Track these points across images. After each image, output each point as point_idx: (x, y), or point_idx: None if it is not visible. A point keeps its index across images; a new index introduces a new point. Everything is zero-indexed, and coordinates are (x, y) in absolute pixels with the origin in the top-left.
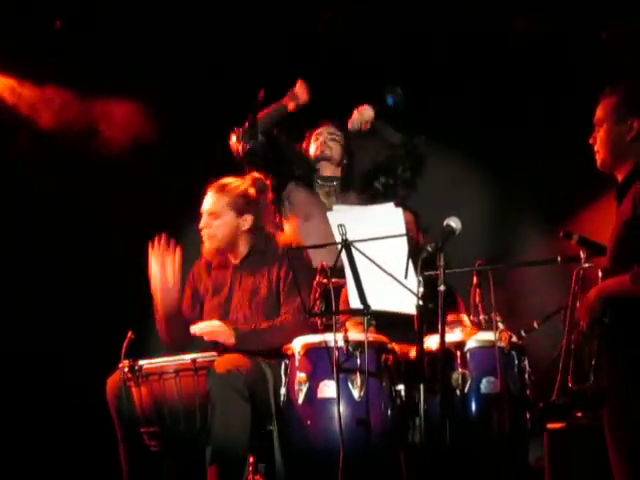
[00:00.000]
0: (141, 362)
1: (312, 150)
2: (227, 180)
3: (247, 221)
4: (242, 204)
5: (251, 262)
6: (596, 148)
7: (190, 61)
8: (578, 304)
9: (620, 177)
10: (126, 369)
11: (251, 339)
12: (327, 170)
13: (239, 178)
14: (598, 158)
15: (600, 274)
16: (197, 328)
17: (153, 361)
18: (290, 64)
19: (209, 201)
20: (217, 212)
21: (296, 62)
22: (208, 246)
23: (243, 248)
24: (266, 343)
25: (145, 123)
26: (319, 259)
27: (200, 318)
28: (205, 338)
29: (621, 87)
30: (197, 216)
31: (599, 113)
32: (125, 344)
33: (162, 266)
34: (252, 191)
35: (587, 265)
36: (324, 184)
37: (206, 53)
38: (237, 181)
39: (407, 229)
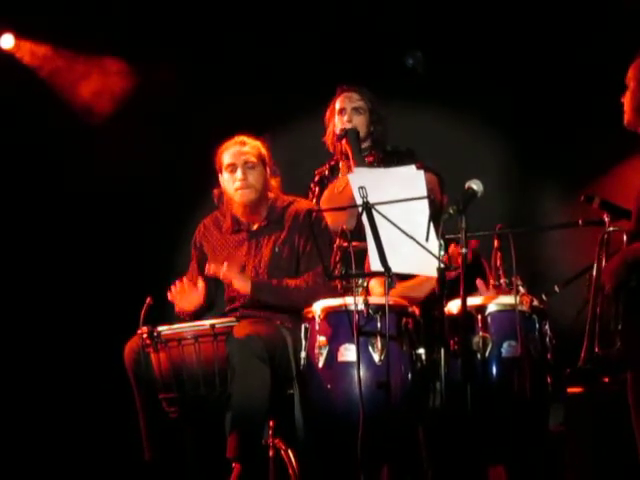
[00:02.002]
0: (160, 328)
1: (337, 126)
2: (243, 137)
3: (276, 181)
4: (268, 161)
5: (270, 229)
6: (625, 107)
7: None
8: (602, 268)
9: None
10: (145, 335)
11: (267, 291)
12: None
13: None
14: (625, 116)
15: (625, 238)
16: (213, 267)
17: (172, 327)
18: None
19: (242, 150)
20: (253, 162)
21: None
22: (245, 198)
23: (263, 211)
24: (281, 299)
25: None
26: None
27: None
28: (220, 277)
29: None
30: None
31: (629, 73)
32: (143, 310)
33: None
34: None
35: (612, 229)
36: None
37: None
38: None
39: (429, 191)
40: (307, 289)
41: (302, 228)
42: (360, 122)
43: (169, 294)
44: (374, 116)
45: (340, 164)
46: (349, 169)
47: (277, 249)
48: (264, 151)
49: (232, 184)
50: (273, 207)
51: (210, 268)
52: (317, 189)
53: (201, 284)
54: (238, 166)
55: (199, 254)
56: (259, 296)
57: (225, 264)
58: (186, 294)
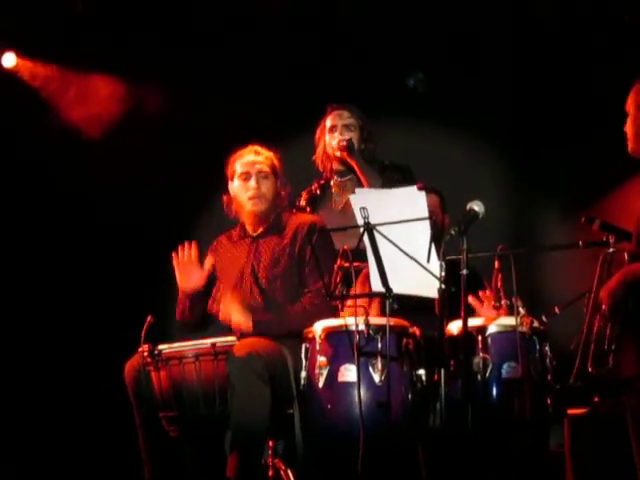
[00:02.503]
0: (161, 346)
1: (329, 145)
2: (257, 146)
3: (285, 192)
4: (280, 173)
5: (270, 235)
6: (628, 135)
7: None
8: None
9: None
10: (145, 353)
11: (269, 327)
12: (338, 161)
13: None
14: (629, 144)
15: (627, 258)
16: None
17: (173, 345)
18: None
19: (256, 160)
20: (266, 172)
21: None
22: (257, 207)
23: (269, 220)
24: (284, 328)
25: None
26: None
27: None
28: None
29: None
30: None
31: (629, 100)
32: (144, 328)
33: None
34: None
35: (613, 250)
36: (340, 179)
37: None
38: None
39: (431, 212)
40: (307, 313)
41: (305, 239)
42: (346, 135)
43: (174, 260)
44: (365, 133)
45: (332, 182)
46: (345, 185)
47: (276, 254)
48: (277, 162)
49: (245, 192)
50: (279, 216)
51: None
52: (309, 209)
53: (208, 264)
54: (252, 175)
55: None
56: (261, 331)
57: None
58: (189, 268)
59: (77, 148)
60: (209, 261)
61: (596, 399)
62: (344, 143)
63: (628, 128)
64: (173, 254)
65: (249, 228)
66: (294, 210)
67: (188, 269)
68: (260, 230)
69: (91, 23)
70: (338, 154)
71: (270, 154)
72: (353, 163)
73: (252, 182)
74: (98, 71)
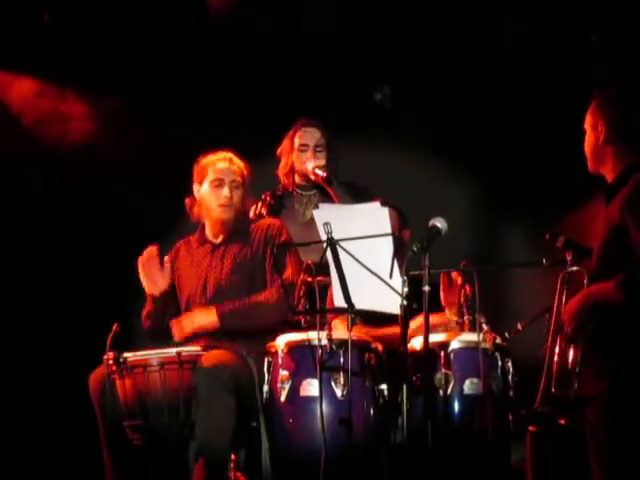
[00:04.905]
0: (126, 354)
1: (300, 163)
2: (230, 154)
3: (248, 202)
4: (247, 181)
5: (233, 243)
6: (586, 154)
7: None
8: (562, 308)
9: (609, 179)
10: (111, 361)
11: (234, 317)
12: (303, 178)
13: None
14: (588, 163)
15: (585, 280)
16: (179, 329)
17: (138, 354)
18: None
19: (231, 169)
20: (238, 182)
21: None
22: (226, 216)
23: (231, 228)
24: (249, 320)
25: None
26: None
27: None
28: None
29: (597, 94)
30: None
31: (585, 120)
32: (110, 337)
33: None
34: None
35: (573, 269)
36: (304, 193)
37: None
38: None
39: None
40: (270, 303)
41: (264, 239)
42: (323, 159)
43: (139, 262)
44: (332, 154)
45: (294, 194)
46: (309, 199)
47: (239, 260)
48: (247, 173)
49: (215, 199)
50: (241, 223)
51: (175, 332)
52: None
53: (167, 265)
54: (225, 183)
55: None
56: (228, 324)
57: (182, 319)
58: (153, 270)
59: (42, 153)
60: (169, 265)
61: (562, 422)
62: (323, 175)
63: (585, 147)
64: (138, 259)
65: (210, 234)
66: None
67: (152, 272)
68: (222, 237)
69: (57, 34)
70: (313, 177)
71: (242, 164)
72: (330, 191)
73: (225, 191)
74: (66, 83)
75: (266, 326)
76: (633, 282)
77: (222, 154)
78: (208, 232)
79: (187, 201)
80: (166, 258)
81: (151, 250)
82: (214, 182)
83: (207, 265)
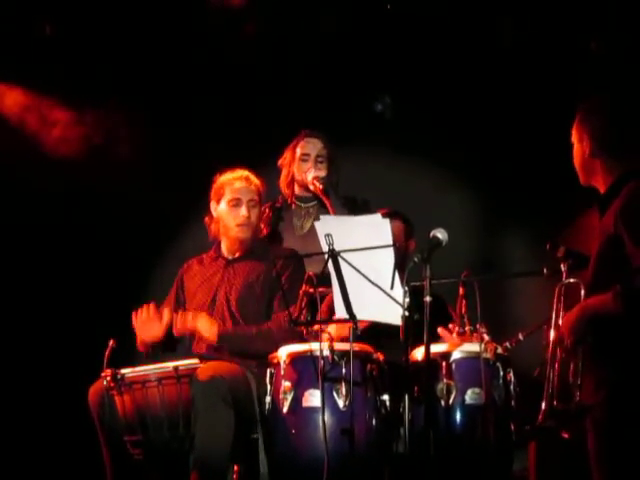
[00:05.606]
0: (123, 371)
1: (301, 174)
2: (247, 173)
3: (263, 219)
4: (263, 199)
5: (246, 260)
6: (575, 167)
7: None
8: (561, 321)
9: (602, 190)
10: (108, 378)
11: (233, 340)
12: (303, 189)
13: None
14: (578, 176)
15: (582, 291)
16: (181, 320)
17: (136, 370)
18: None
19: (248, 188)
20: (255, 201)
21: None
22: (244, 235)
23: (247, 246)
24: (247, 348)
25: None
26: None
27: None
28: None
29: (580, 106)
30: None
31: (572, 133)
32: (107, 353)
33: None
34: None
35: (569, 281)
36: (303, 205)
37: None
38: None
39: (394, 239)
40: (271, 336)
41: (281, 268)
42: (322, 171)
43: (133, 317)
44: (333, 166)
45: (293, 207)
46: (309, 211)
47: (250, 279)
48: (262, 191)
49: (233, 218)
50: (256, 242)
51: (177, 322)
52: (266, 230)
53: (167, 317)
54: (243, 203)
55: (178, 288)
56: (225, 346)
57: (190, 313)
58: (149, 323)
59: (38, 167)
60: (167, 313)
61: (565, 435)
62: (321, 187)
63: (574, 161)
64: (133, 313)
65: (226, 251)
66: None
67: (147, 324)
68: (238, 254)
69: (59, 46)
70: (312, 187)
71: (258, 182)
72: (327, 203)
73: (243, 210)
74: (64, 95)
75: (264, 354)
76: (630, 293)
77: (239, 173)
78: (224, 249)
79: (206, 220)
80: (164, 312)
81: (150, 308)
82: (232, 202)
83: (219, 279)
